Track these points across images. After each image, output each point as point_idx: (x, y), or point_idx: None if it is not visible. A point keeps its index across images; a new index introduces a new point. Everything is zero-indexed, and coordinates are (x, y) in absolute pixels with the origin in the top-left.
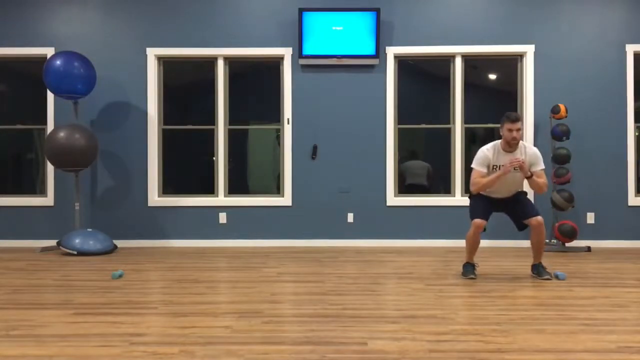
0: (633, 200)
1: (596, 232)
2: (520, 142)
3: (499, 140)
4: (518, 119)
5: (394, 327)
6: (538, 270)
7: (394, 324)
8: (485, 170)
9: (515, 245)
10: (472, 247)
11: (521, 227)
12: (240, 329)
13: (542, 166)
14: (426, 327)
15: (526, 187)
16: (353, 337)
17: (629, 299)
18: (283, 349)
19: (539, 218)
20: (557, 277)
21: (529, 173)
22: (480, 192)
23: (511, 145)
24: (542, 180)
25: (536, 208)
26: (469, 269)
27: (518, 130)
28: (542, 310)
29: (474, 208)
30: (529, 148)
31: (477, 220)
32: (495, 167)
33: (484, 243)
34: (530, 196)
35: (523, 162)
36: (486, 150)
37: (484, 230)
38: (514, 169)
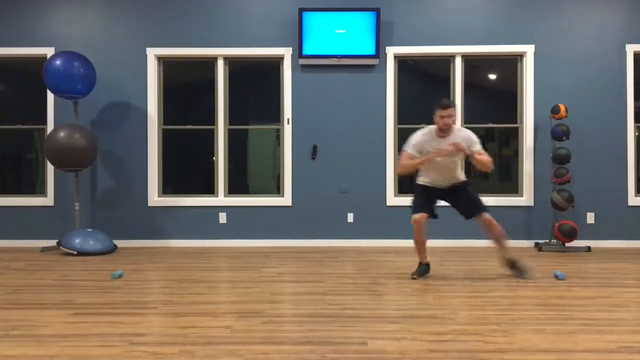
0: (633, 200)
1: (596, 232)
2: (454, 126)
3: (434, 126)
4: (449, 105)
5: (394, 327)
6: (515, 268)
7: (394, 324)
8: (416, 154)
9: (515, 245)
10: (418, 245)
11: (468, 216)
12: (240, 329)
13: (478, 146)
14: (426, 327)
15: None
16: (353, 337)
17: (629, 299)
18: (283, 349)
19: (486, 215)
20: (557, 277)
21: (468, 150)
22: (421, 184)
23: (444, 131)
24: (485, 157)
25: (483, 203)
26: (424, 269)
27: (450, 116)
28: (542, 310)
29: (414, 203)
30: (462, 132)
31: (415, 216)
32: (429, 152)
33: (484, 243)
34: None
35: (456, 145)
36: (420, 135)
37: (435, 217)
38: (450, 154)
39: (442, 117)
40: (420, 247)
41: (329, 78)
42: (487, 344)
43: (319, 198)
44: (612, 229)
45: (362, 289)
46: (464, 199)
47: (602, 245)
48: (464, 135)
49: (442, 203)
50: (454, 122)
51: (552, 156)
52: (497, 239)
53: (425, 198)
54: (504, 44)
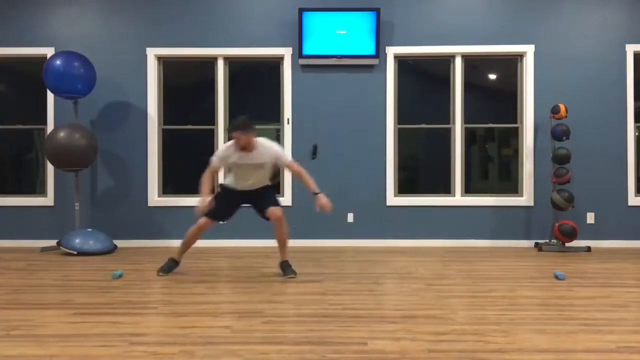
0: (633, 200)
1: (596, 232)
2: (258, 140)
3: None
4: (233, 129)
5: (394, 327)
6: (283, 268)
7: (394, 324)
8: (220, 165)
9: (515, 245)
10: (188, 243)
11: (265, 218)
12: (240, 329)
13: (286, 159)
14: (426, 327)
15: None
16: (353, 337)
17: (629, 299)
18: (283, 349)
19: (278, 210)
20: (557, 277)
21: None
22: (227, 186)
23: (247, 150)
24: (299, 171)
25: (276, 200)
26: (171, 265)
27: (240, 139)
28: (542, 310)
29: (213, 206)
30: (268, 148)
31: (204, 219)
32: (236, 164)
33: (484, 243)
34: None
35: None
36: (226, 148)
37: (223, 221)
38: (252, 166)
39: (238, 139)
40: (189, 245)
41: (329, 78)
42: (487, 344)
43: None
44: (612, 229)
45: (362, 289)
46: (262, 198)
47: (602, 245)
48: (271, 152)
49: None
50: (250, 141)
51: (552, 156)
52: (281, 239)
53: (223, 203)
54: (504, 44)
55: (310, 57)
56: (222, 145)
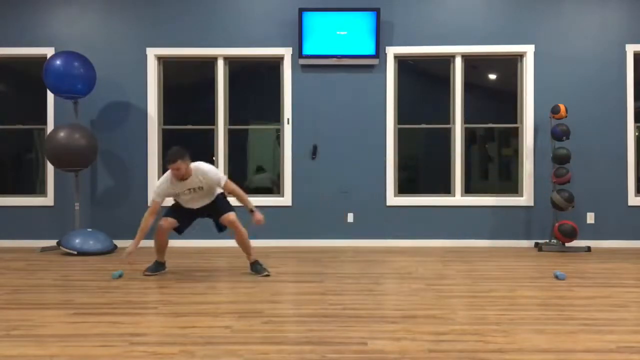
0: (633, 200)
1: (596, 232)
2: (192, 166)
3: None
4: (174, 159)
5: (394, 327)
6: (255, 268)
7: (394, 324)
8: (162, 200)
9: (515, 245)
10: (159, 245)
11: (220, 229)
12: (240, 329)
13: (223, 180)
14: (426, 327)
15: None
16: (353, 337)
17: (629, 299)
18: (283, 349)
19: (230, 215)
20: (557, 277)
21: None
22: (179, 203)
23: (183, 179)
24: (234, 189)
25: (228, 206)
26: (157, 267)
27: (178, 169)
28: (542, 310)
29: (169, 210)
30: (203, 173)
31: (165, 219)
32: (177, 194)
33: (484, 243)
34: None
35: (259, 222)
36: (163, 182)
37: (180, 232)
38: (193, 190)
39: (172, 169)
40: (161, 247)
41: (329, 78)
42: (487, 344)
43: (319, 198)
44: (612, 229)
45: (362, 289)
46: (215, 206)
47: (602, 245)
48: (208, 177)
49: None
50: (185, 169)
51: (552, 156)
52: (242, 242)
53: (179, 212)
54: (504, 44)
55: (310, 57)
56: (158, 182)
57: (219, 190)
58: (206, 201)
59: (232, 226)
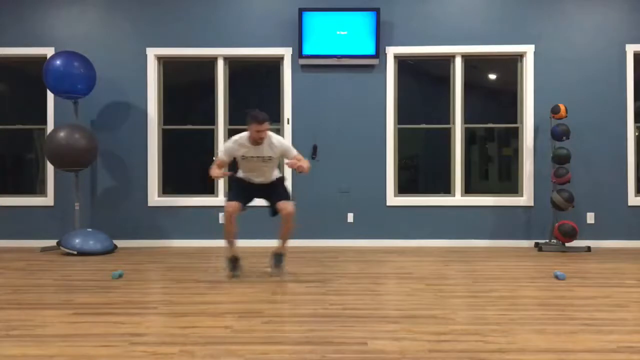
0: (633, 200)
1: (596, 232)
2: (269, 134)
3: (247, 133)
4: (265, 120)
5: (394, 327)
6: (277, 259)
7: (394, 324)
8: (228, 159)
9: (515, 245)
10: (228, 234)
11: (274, 213)
12: (240, 329)
13: (293, 152)
14: (426, 327)
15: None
16: (353, 337)
17: (629, 299)
18: (283, 349)
19: (290, 206)
20: (557, 277)
21: (287, 160)
22: (240, 177)
23: (258, 143)
24: (302, 164)
25: (288, 194)
26: (231, 264)
27: (265, 130)
28: (542, 310)
29: (229, 193)
30: (276, 141)
31: (229, 203)
32: (244, 157)
33: (484, 243)
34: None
35: (300, 168)
36: (233, 142)
37: (244, 210)
38: (262, 159)
39: (257, 131)
40: (231, 236)
41: (329, 78)
42: (487, 344)
43: (319, 198)
44: (612, 229)
45: (362, 289)
46: (275, 190)
47: (602, 245)
48: (279, 145)
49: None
50: (267, 133)
51: (552, 156)
52: (284, 235)
53: (240, 190)
54: (504, 44)
55: (310, 57)
56: (227, 142)
57: (278, 174)
58: (265, 178)
59: (288, 217)
